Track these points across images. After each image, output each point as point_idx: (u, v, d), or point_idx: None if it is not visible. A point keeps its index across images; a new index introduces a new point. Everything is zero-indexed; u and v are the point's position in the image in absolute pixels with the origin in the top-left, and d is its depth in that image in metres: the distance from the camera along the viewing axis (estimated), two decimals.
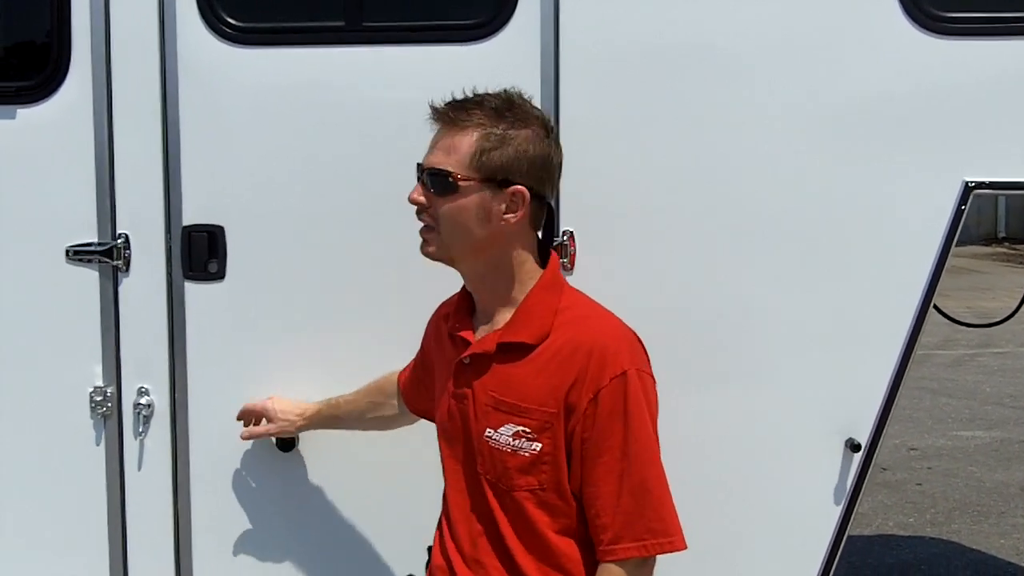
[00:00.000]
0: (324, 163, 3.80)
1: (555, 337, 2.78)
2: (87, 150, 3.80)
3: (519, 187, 2.79)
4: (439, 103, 2.87)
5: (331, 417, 3.73)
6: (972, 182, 3.70)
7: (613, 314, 2.88)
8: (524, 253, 2.88)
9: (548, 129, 2.87)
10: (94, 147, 3.79)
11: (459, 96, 2.87)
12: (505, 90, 2.87)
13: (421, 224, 2.88)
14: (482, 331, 2.91)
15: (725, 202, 3.75)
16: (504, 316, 2.87)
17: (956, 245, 3.76)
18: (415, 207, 2.86)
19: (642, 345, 2.87)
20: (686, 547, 2.75)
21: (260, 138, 3.80)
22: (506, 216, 2.80)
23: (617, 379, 2.69)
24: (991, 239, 31.09)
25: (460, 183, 2.77)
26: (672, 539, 2.73)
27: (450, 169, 2.78)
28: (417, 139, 3.70)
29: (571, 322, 2.80)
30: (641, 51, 3.72)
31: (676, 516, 2.76)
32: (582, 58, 3.72)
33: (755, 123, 3.72)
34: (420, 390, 3.39)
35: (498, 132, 2.78)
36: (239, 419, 3.81)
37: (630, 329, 2.86)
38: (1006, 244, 30.63)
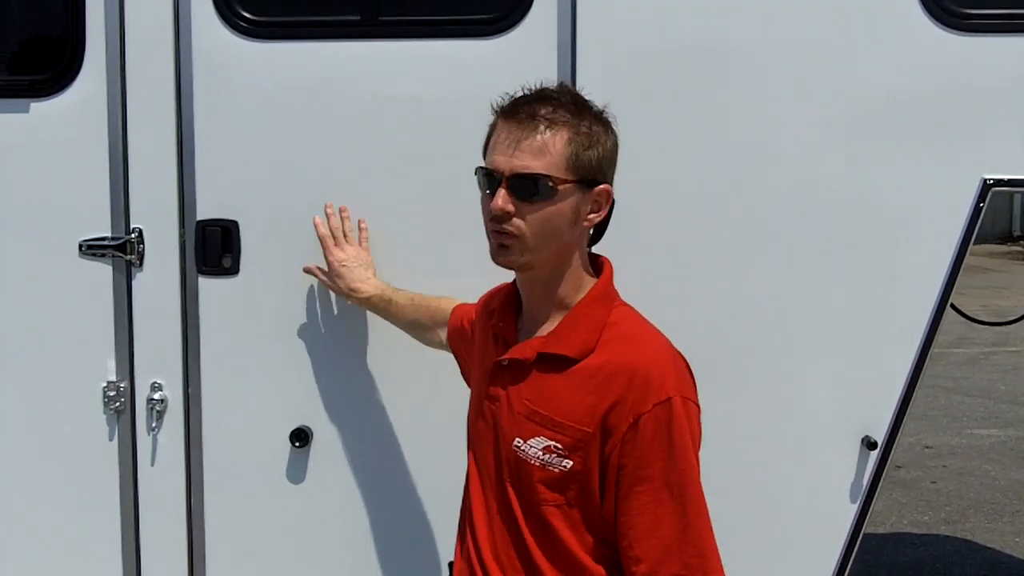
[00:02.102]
0: (338, 158, 3.79)
1: (599, 354, 2.65)
2: (101, 144, 3.79)
3: (606, 186, 2.71)
4: (505, 101, 2.72)
5: (384, 303, 3.71)
6: (991, 179, 3.67)
7: (662, 335, 2.75)
8: (583, 257, 2.78)
9: (612, 124, 2.76)
10: (108, 141, 3.79)
11: (517, 92, 2.72)
12: (563, 84, 2.79)
13: (501, 232, 2.65)
14: (526, 334, 2.81)
15: (742, 199, 3.73)
16: (550, 322, 2.75)
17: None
18: (495, 215, 2.63)
19: (690, 371, 2.73)
20: None
21: (274, 132, 3.79)
22: (589, 216, 2.71)
23: (660, 405, 2.55)
24: (1006, 237, 31.07)
25: (559, 187, 2.64)
26: None
27: (548, 173, 2.60)
28: (433, 134, 3.71)
29: (617, 340, 2.67)
30: (659, 46, 3.71)
31: (717, 553, 2.62)
32: (599, 53, 3.70)
33: (773, 120, 3.71)
34: (462, 338, 3.34)
35: (585, 130, 2.65)
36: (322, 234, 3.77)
37: (679, 353, 2.72)
38: (1021, 243, 30.59)
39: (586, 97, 2.74)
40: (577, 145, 2.62)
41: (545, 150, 2.60)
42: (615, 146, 2.75)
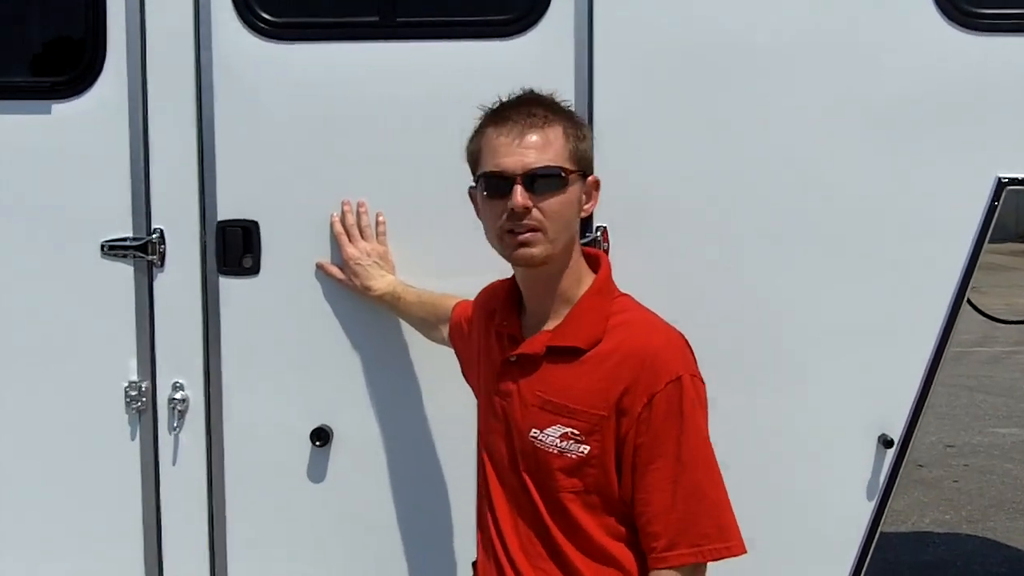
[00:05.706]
0: (358, 158, 3.81)
1: (607, 341, 2.76)
2: (122, 145, 3.81)
3: (596, 177, 2.87)
4: (495, 105, 2.86)
5: (394, 301, 3.77)
6: (1005, 178, 3.68)
7: (662, 319, 2.86)
8: (579, 250, 2.90)
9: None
10: (129, 142, 3.81)
11: (490, 99, 2.87)
12: (532, 89, 2.88)
13: (523, 230, 2.73)
14: (530, 329, 2.91)
15: (758, 199, 3.74)
16: (555, 315, 2.86)
17: (994, 242, 3.74)
18: (516, 212, 2.71)
19: (691, 349, 2.83)
20: (745, 551, 2.70)
21: (294, 133, 3.81)
22: (586, 207, 2.85)
23: (672, 384, 2.67)
24: None
25: (569, 177, 2.75)
26: (729, 544, 2.68)
27: (558, 164, 2.74)
28: (451, 134, 3.72)
29: (622, 327, 2.78)
30: (675, 47, 3.72)
31: (734, 521, 2.71)
32: (616, 54, 3.71)
33: (789, 120, 3.72)
34: (460, 336, 3.43)
35: (572, 125, 2.80)
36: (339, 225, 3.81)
37: (680, 333, 2.83)
38: None
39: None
40: (573, 138, 2.77)
41: (548, 145, 2.73)
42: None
